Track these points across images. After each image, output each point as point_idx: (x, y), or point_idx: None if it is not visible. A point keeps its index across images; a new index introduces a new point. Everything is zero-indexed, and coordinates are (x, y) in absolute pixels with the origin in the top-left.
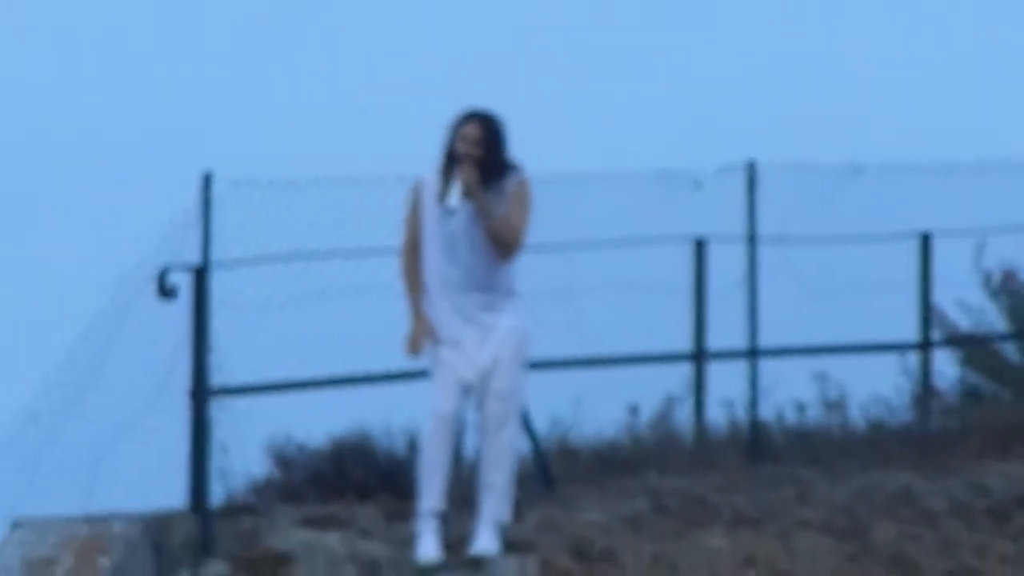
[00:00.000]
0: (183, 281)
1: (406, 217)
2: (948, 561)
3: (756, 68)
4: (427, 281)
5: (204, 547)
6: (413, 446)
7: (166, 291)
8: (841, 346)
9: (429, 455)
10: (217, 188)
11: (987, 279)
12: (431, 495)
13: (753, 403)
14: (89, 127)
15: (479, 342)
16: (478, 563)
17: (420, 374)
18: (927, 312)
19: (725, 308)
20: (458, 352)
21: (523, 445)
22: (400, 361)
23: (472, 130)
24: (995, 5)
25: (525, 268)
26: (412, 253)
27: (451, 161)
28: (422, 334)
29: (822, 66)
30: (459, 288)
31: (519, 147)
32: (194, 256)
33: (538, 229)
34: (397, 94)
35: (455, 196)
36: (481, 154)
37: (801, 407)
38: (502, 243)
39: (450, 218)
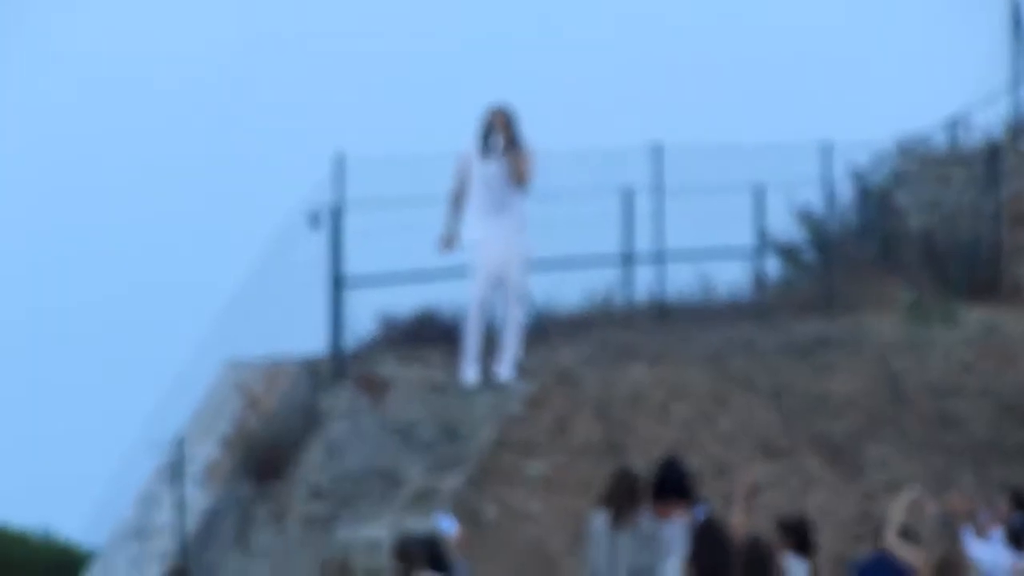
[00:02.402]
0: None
1: (454, 173)
2: (774, 379)
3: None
4: (470, 209)
5: (338, 376)
6: (462, 316)
7: (315, 219)
8: (716, 249)
9: (471, 322)
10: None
11: (799, 215)
12: (471, 345)
13: (661, 286)
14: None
15: (504, 249)
16: (502, 385)
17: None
18: (763, 235)
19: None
20: (489, 256)
21: (528, 313)
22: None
23: (498, 116)
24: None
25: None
26: (455, 194)
27: (487, 134)
28: (449, 241)
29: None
30: (493, 212)
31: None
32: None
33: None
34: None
35: (499, 148)
36: (508, 129)
37: (689, 290)
38: (518, 184)
39: (488, 169)
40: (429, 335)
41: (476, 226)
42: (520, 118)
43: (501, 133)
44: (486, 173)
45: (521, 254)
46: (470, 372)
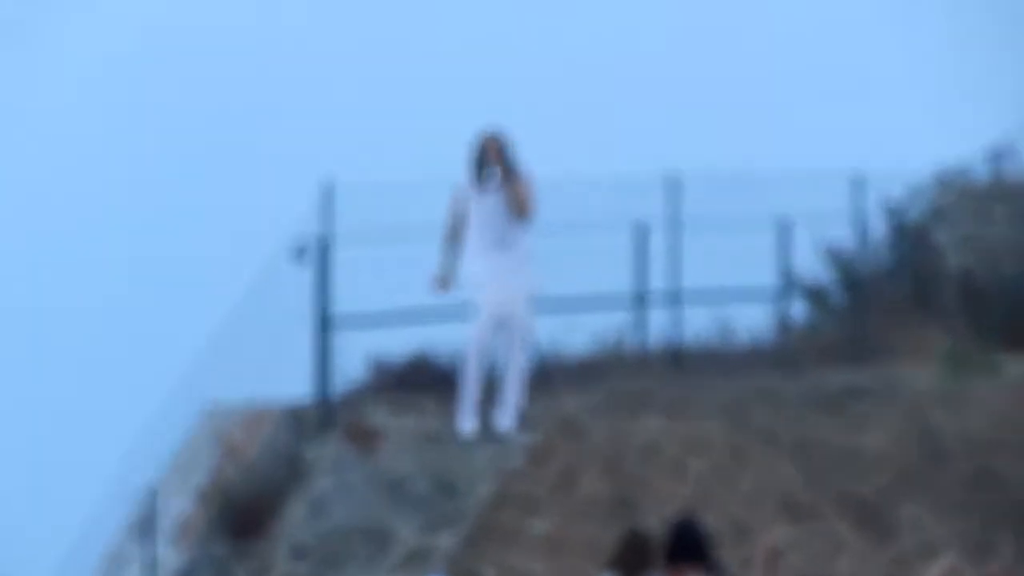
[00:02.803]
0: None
1: (449, 207)
2: (799, 432)
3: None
4: (469, 245)
5: (324, 424)
6: (460, 361)
7: (299, 253)
8: (731, 289)
9: (470, 367)
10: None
11: (827, 252)
12: (470, 392)
13: (676, 330)
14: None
15: (507, 287)
16: (502, 436)
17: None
18: (789, 274)
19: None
20: (490, 295)
21: (532, 357)
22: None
23: (491, 143)
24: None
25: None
26: (451, 229)
27: (480, 163)
28: (444, 281)
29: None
30: (493, 248)
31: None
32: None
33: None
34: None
35: (495, 179)
36: (502, 158)
37: (707, 335)
38: (520, 215)
39: (485, 201)
40: (424, 381)
41: (476, 263)
42: (514, 144)
43: (496, 162)
44: (484, 206)
45: (526, 293)
46: (468, 422)
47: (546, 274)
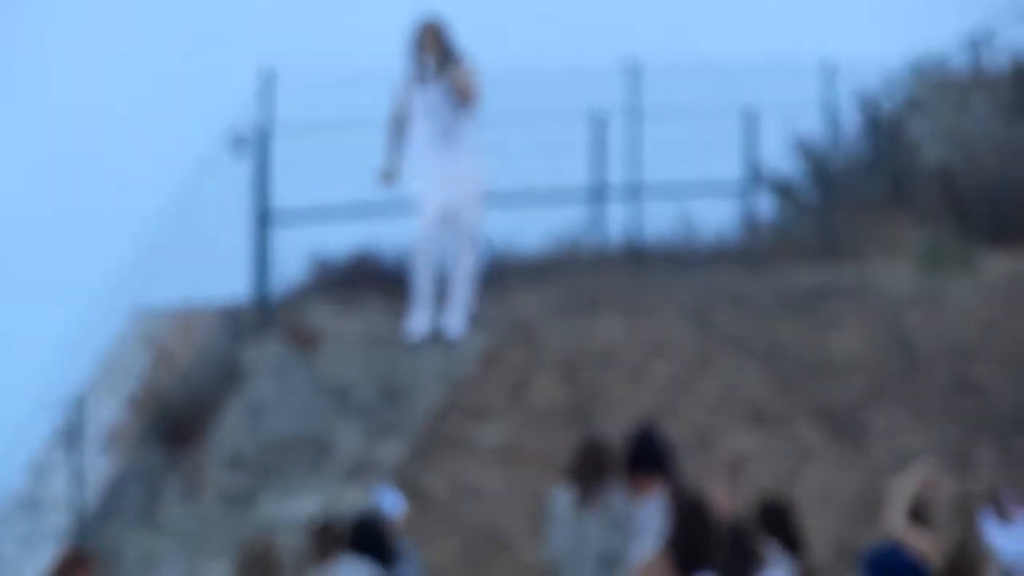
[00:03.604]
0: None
1: (391, 99)
2: (767, 336)
3: None
4: (414, 140)
5: (263, 326)
6: (407, 258)
7: (237, 143)
8: (694, 182)
9: (418, 265)
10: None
11: (797, 144)
12: (420, 291)
13: (636, 226)
14: None
15: (452, 182)
16: (452, 340)
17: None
18: (756, 168)
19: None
20: (435, 190)
21: (483, 256)
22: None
23: (427, 32)
24: None
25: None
26: (394, 122)
27: (419, 52)
28: (388, 175)
29: None
30: (438, 142)
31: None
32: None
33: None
34: None
35: (431, 69)
36: (438, 43)
37: (668, 233)
38: (464, 101)
39: (427, 93)
40: (368, 280)
41: (420, 157)
42: (451, 29)
43: (431, 51)
44: (426, 98)
45: (473, 188)
46: (419, 323)
47: (498, 167)
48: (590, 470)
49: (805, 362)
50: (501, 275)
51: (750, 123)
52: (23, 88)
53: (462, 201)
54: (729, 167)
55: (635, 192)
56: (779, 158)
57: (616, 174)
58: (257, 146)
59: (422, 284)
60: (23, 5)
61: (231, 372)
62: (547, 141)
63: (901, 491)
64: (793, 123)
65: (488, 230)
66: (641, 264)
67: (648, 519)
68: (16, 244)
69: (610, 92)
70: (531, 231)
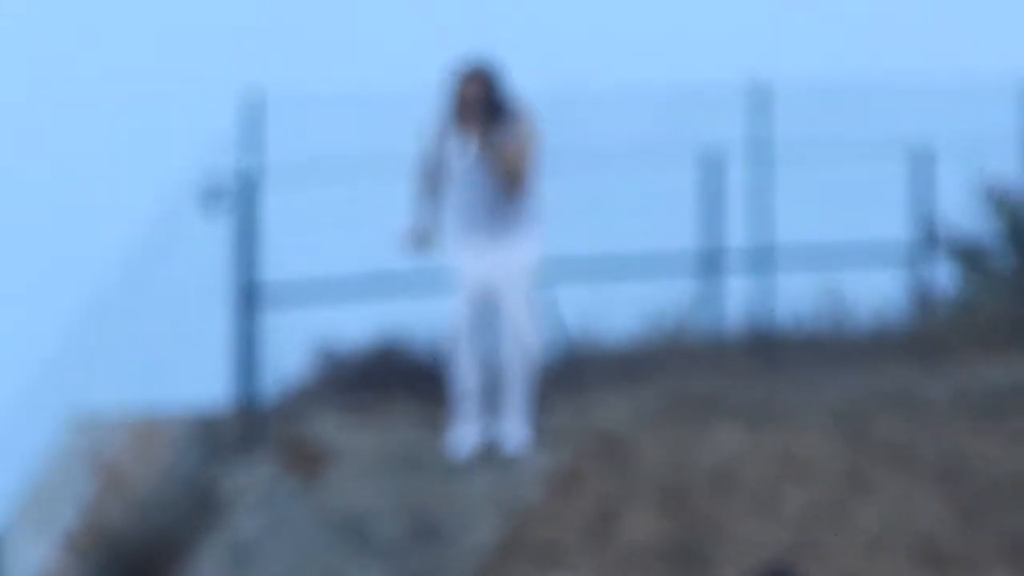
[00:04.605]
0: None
1: (419, 153)
2: (944, 451)
3: None
4: (449, 201)
5: (250, 441)
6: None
7: (212, 196)
8: (844, 245)
9: (459, 359)
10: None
11: (988, 192)
12: (466, 393)
13: (764, 306)
14: None
15: (494, 260)
16: (509, 458)
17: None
18: (930, 224)
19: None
20: (473, 268)
21: (553, 346)
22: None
23: (470, 91)
24: None
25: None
26: (426, 177)
27: (459, 116)
28: (421, 237)
29: None
30: (478, 213)
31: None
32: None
33: (554, 149)
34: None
35: (472, 149)
36: (483, 112)
37: (809, 313)
38: (510, 185)
39: (464, 159)
40: (393, 379)
41: (456, 224)
42: (503, 78)
43: (475, 119)
44: (463, 164)
45: (522, 265)
46: (466, 436)
47: (574, 226)
48: None
49: (995, 485)
50: (579, 371)
51: (922, 165)
52: None
53: (503, 279)
54: (893, 224)
55: (763, 259)
56: (962, 212)
57: (737, 234)
58: (240, 198)
59: (467, 383)
60: None
61: (206, 502)
62: (643, 190)
63: None
64: (981, 165)
65: (559, 312)
66: (771, 356)
67: None
68: None
69: (729, 123)
70: (621, 312)
